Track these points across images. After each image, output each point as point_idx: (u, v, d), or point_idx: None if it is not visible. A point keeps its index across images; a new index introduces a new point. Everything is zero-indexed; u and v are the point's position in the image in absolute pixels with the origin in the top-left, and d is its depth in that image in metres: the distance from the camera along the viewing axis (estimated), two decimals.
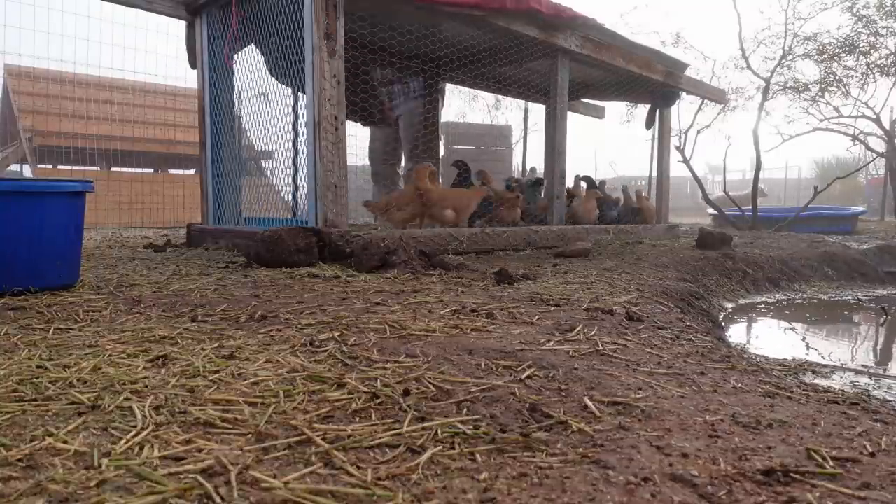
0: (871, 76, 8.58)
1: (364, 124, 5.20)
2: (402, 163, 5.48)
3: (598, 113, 6.97)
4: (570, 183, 5.30)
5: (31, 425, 0.79)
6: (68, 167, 8.10)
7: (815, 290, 3.83)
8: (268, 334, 1.34)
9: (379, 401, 0.91)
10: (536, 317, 1.61)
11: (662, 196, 5.93)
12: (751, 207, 8.02)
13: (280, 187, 3.74)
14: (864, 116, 9.40)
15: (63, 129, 7.94)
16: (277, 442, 0.76)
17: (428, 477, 0.68)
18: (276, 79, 3.48)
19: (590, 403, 0.92)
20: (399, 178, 5.44)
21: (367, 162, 5.60)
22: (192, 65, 3.96)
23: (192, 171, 10.52)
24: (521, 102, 11.70)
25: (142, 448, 0.72)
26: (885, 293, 3.86)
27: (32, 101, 8.49)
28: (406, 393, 0.95)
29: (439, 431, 0.80)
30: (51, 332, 1.34)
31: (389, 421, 0.84)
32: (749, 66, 8.46)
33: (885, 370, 2.01)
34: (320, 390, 0.95)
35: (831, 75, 8.64)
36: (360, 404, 0.89)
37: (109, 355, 1.13)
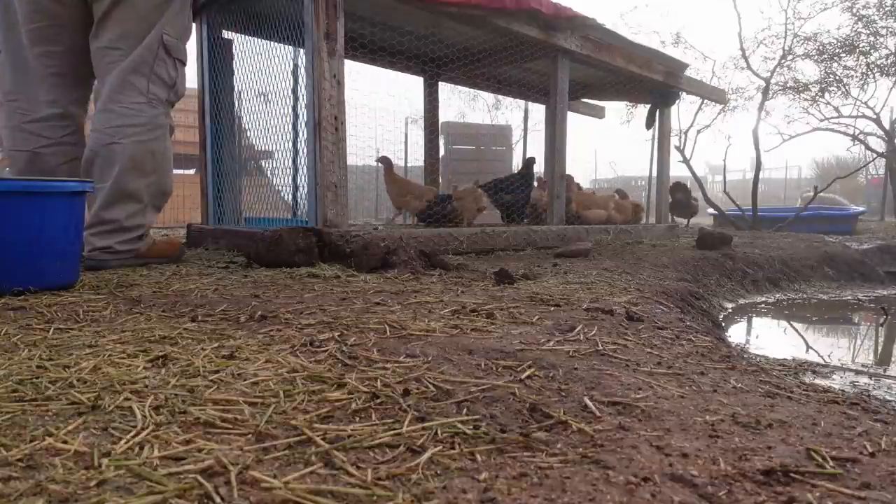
0: (871, 76, 8.58)
1: None
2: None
3: (598, 113, 6.98)
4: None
5: (31, 425, 0.78)
6: None
7: (815, 290, 3.83)
8: (268, 334, 1.34)
9: (379, 401, 0.91)
10: (536, 317, 1.61)
11: (662, 196, 5.93)
12: (751, 207, 8.03)
13: (280, 187, 3.74)
14: (864, 116, 9.40)
15: None
16: (277, 442, 0.76)
17: (428, 477, 0.68)
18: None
19: (590, 403, 0.92)
20: None
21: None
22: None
23: (192, 172, 10.51)
24: (521, 102, 11.72)
25: (142, 448, 0.72)
26: (885, 293, 3.86)
27: None
28: (406, 393, 0.95)
29: (439, 431, 0.80)
30: (51, 332, 1.34)
31: (389, 421, 0.84)
32: (749, 66, 8.47)
33: (885, 370, 2.01)
34: (320, 390, 0.95)
35: (831, 75, 8.64)
36: (360, 404, 0.89)
37: (109, 355, 1.13)
